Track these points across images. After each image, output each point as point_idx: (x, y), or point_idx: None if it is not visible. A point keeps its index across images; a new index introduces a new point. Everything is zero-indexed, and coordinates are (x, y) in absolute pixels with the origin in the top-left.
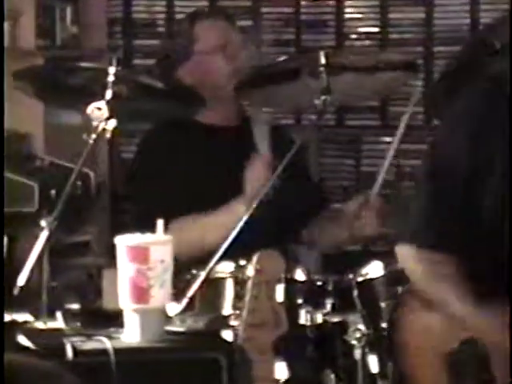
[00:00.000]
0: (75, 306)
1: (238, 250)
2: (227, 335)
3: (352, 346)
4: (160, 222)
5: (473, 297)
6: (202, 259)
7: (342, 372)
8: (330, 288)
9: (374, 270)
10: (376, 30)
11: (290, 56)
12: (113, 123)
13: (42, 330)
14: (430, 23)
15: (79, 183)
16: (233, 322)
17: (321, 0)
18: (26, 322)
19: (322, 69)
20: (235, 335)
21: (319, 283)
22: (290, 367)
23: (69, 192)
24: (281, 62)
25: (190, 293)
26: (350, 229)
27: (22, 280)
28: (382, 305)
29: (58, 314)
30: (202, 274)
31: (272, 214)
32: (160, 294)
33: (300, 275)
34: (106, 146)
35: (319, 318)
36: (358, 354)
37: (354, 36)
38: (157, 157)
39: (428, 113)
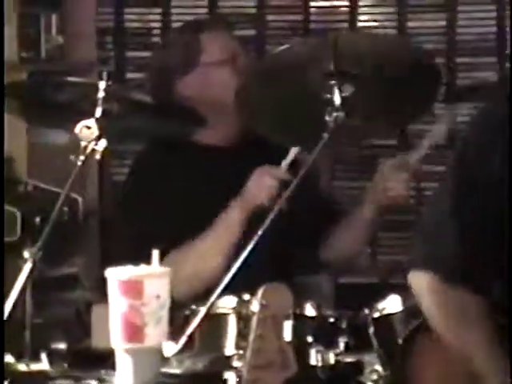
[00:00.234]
0: (62, 346)
1: (241, 283)
2: (230, 378)
3: None
4: (155, 253)
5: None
6: (203, 293)
7: None
8: (343, 325)
9: (392, 304)
10: None
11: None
12: (103, 143)
13: (24, 373)
14: (453, 32)
15: (66, 209)
16: (236, 363)
17: (332, 8)
18: (6, 364)
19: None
20: (238, 378)
21: (331, 319)
22: None
23: (55, 219)
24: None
25: (188, 331)
26: (380, 193)
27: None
28: (401, 343)
29: (43, 355)
30: (202, 310)
31: (278, 242)
32: (155, 333)
33: (310, 311)
34: (96, 169)
35: (331, 358)
36: None
37: None
38: (150, 180)
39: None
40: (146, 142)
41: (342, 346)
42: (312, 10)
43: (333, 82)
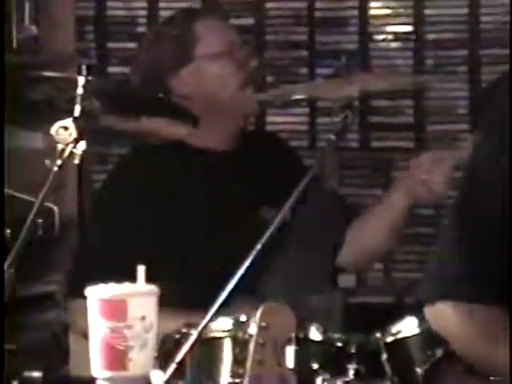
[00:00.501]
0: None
1: (237, 303)
2: None
3: None
4: (141, 269)
5: None
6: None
7: None
8: (352, 350)
9: (408, 327)
10: (408, 29)
11: None
12: (82, 146)
13: None
14: (476, 20)
15: (40, 221)
16: None
17: None
18: None
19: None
20: None
21: (339, 344)
22: None
23: (27, 232)
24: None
25: (178, 357)
26: (416, 185)
27: None
28: (418, 370)
29: None
30: (194, 334)
31: (279, 256)
32: (140, 359)
33: (315, 334)
34: (75, 174)
35: None
36: None
37: (380, 37)
38: (131, 188)
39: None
40: (129, 144)
41: (351, 373)
42: None
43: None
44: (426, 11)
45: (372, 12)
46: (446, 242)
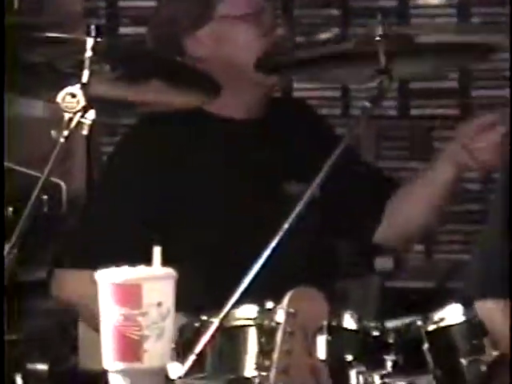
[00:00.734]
0: (42, 367)
1: (262, 288)
2: None
3: None
4: (157, 250)
5: None
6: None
7: None
8: (390, 340)
9: (452, 314)
10: None
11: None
12: (92, 115)
13: None
14: None
15: (46, 197)
16: None
17: None
18: None
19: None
20: None
21: (376, 333)
22: None
23: (32, 210)
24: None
25: (198, 347)
26: (464, 154)
27: None
28: (463, 362)
29: (18, 378)
30: (215, 321)
31: (309, 235)
32: (157, 349)
33: (349, 322)
34: (83, 147)
35: (377, 381)
36: None
37: None
38: (143, 160)
39: None
40: (141, 114)
41: (389, 365)
42: None
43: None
44: None
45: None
46: (491, 227)
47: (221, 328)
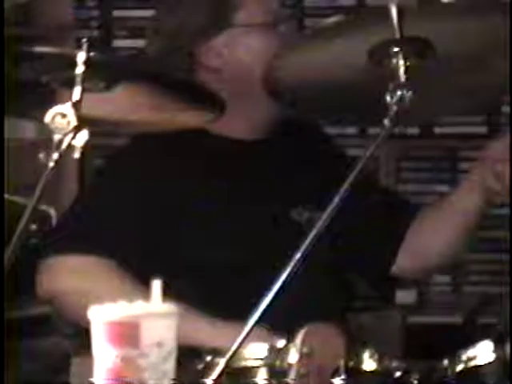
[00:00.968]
0: None
1: (274, 324)
2: None
3: None
4: (156, 284)
5: None
6: None
7: None
8: (414, 381)
9: (482, 352)
10: None
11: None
12: (84, 136)
13: None
14: None
15: (35, 226)
16: None
17: None
18: None
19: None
20: None
21: (398, 373)
22: None
23: (20, 239)
24: None
25: None
26: (491, 178)
27: None
28: None
29: None
30: (221, 362)
31: (326, 265)
32: None
33: (369, 362)
34: (75, 170)
35: None
36: None
37: None
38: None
39: None
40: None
41: None
42: None
43: (396, 48)
44: None
45: None
46: None
47: (227, 369)
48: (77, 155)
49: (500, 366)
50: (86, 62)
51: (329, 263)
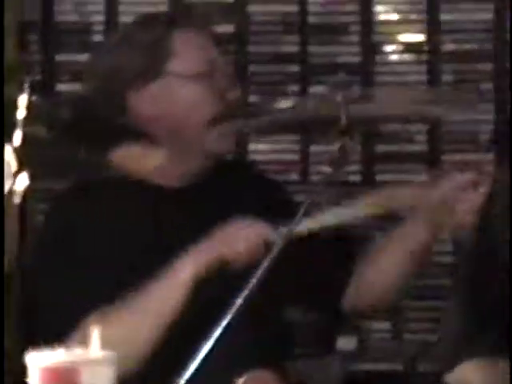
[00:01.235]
0: None
1: (213, 373)
2: None
3: None
4: (95, 332)
5: None
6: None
7: None
8: None
9: None
10: (421, 38)
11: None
12: (25, 181)
13: None
14: (502, 27)
15: None
16: None
17: None
18: None
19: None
20: None
21: None
22: None
23: None
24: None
25: None
26: (439, 213)
27: None
28: None
29: None
30: None
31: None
32: None
33: None
34: (15, 217)
35: None
36: None
37: (388, 48)
38: (71, 231)
39: None
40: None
41: None
42: None
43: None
44: (443, 16)
45: (377, 17)
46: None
47: None
48: (17, 200)
49: None
50: (28, 106)
51: (267, 307)
